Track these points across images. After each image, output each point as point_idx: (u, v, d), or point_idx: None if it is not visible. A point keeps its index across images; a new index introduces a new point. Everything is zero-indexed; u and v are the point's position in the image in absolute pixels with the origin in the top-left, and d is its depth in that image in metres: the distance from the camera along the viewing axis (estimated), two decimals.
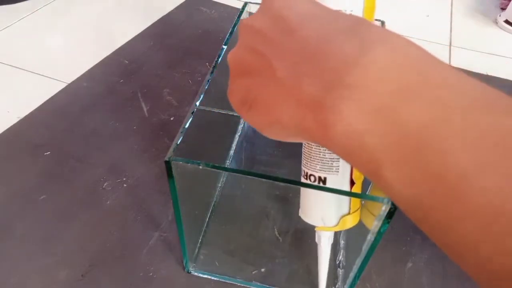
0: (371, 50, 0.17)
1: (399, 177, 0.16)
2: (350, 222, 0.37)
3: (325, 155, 0.34)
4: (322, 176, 0.34)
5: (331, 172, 0.34)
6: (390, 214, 0.31)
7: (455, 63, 0.85)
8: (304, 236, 0.51)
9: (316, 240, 0.40)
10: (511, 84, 0.80)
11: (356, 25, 0.19)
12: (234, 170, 0.36)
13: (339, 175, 0.34)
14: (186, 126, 0.36)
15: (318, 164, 0.34)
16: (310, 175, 0.35)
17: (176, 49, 0.82)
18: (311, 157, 0.35)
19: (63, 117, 0.66)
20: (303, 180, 0.37)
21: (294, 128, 0.20)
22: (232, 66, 0.24)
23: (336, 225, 0.36)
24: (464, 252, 0.15)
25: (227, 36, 0.46)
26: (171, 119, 0.67)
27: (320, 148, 0.34)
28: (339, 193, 0.33)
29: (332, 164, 0.34)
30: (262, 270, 0.48)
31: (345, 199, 0.36)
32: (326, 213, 0.37)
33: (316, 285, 0.47)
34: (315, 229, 0.38)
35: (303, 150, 0.36)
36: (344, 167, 0.34)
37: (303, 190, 0.38)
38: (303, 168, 0.36)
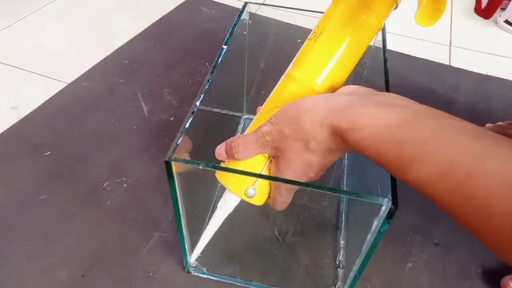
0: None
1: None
2: (259, 200, 0.37)
3: None
4: None
5: None
6: (390, 214, 0.31)
7: (455, 63, 0.85)
8: (304, 236, 0.51)
9: (220, 204, 0.39)
10: (511, 84, 0.80)
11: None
12: (234, 171, 0.36)
13: None
14: (186, 126, 0.36)
15: None
16: None
17: (176, 49, 0.82)
18: None
19: (63, 117, 0.66)
20: None
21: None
22: None
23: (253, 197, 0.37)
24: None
25: (227, 36, 0.46)
26: (171, 119, 0.67)
27: None
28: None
29: None
30: (262, 270, 0.48)
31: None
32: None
33: (316, 285, 0.47)
34: (229, 189, 0.37)
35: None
36: None
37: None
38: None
